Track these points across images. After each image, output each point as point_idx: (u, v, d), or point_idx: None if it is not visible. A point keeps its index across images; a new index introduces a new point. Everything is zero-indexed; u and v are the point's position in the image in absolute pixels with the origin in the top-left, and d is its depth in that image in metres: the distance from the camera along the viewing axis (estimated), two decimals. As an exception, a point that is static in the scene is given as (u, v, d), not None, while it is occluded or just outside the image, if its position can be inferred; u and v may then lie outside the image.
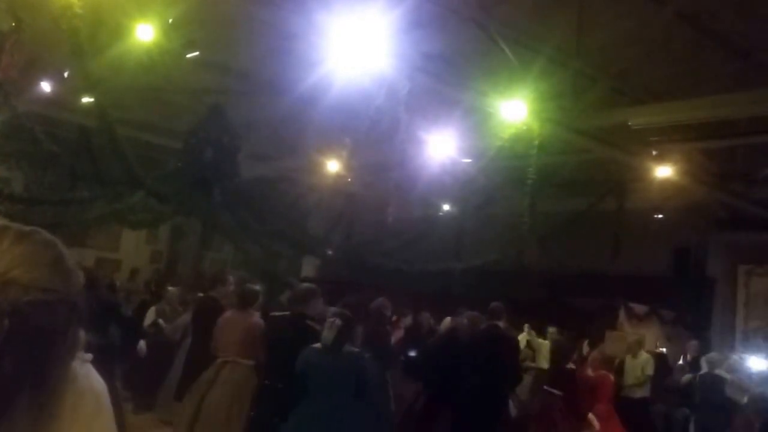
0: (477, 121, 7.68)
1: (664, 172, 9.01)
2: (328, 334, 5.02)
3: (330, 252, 9.87)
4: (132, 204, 9.00)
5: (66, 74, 8.26)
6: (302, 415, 4.94)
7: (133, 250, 14.42)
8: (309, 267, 13.86)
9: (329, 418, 4.88)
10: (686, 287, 12.56)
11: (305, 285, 6.32)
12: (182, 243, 14.66)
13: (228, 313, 6.56)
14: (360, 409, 5.03)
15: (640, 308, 12.37)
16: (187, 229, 13.42)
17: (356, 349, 5.29)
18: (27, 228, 0.95)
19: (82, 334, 0.97)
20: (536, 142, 7.40)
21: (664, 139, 8.71)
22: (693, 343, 10.74)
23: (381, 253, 10.08)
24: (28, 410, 0.85)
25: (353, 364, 5.06)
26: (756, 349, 11.70)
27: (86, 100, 7.99)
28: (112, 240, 13.96)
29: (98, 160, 8.78)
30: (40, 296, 0.88)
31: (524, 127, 7.26)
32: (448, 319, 8.06)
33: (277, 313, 6.42)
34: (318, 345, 5.11)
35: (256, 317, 6.48)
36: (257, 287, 6.90)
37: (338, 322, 5.03)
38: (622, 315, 12.34)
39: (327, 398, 4.95)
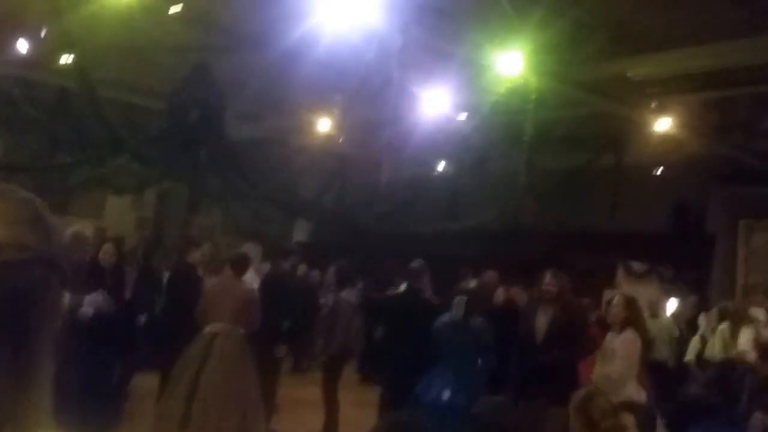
0: (472, 75, 7.62)
1: (663, 124, 9.01)
2: (457, 309, 6.17)
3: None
4: (115, 168, 8.95)
5: (43, 33, 8.12)
6: (434, 376, 6.01)
7: (118, 216, 14.34)
8: (300, 230, 13.87)
9: (457, 380, 5.93)
10: (686, 243, 12.64)
11: (418, 263, 6.92)
12: (169, 208, 14.61)
13: (216, 280, 6.48)
14: (480, 372, 6.08)
15: (638, 266, 12.46)
16: (173, 193, 13.38)
17: (480, 320, 6.27)
18: (3, 185, 0.92)
19: (66, 296, 0.95)
20: (533, 97, 7.37)
21: (663, 91, 8.71)
22: (691, 300, 10.84)
23: (374, 214, 10.09)
24: (9, 374, 0.83)
25: (477, 334, 6.13)
26: (756, 305, 11.81)
27: (65, 60, 7.87)
28: (96, 206, 13.88)
29: (79, 123, 8.70)
30: (17, 255, 0.86)
31: (521, 81, 7.21)
32: (500, 290, 8.17)
33: (394, 290, 7.57)
34: (448, 317, 6.21)
35: (248, 283, 6.43)
36: (247, 252, 6.85)
37: (465, 299, 6.24)
38: (620, 273, 12.44)
39: (456, 362, 6.01)
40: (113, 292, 6.37)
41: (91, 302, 6.07)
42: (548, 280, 6.36)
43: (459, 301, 6.26)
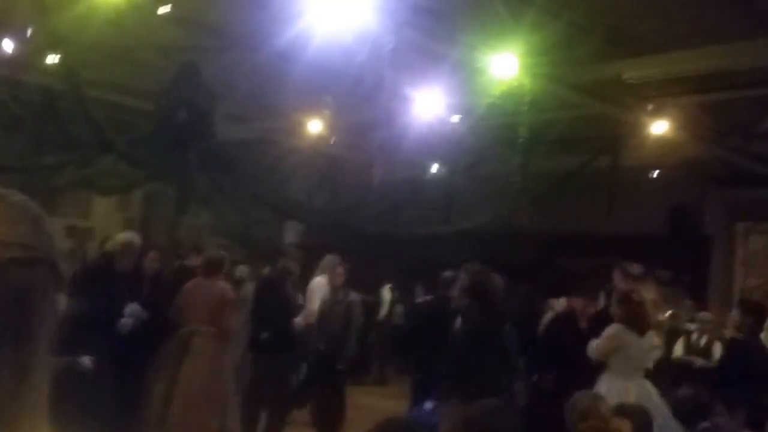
0: (466, 77, 7.66)
1: (659, 127, 9.08)
2: None
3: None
4: (102, 169, 8.94)
5: (29, 32, 8.12)
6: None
7: (104, 217, 14.33)
8: (291, 233, 13.89)
9: None
10: (683, 246, 12.72)
11: (449, 273, 7.23)
12: (156, 209, 14.59)
13: (193, 281, 6.50)
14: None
15: (636, 268, 12.51)
16: (161, 194, 13.36)
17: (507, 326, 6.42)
18: (3, 189, 0.97)
19: (62, 299, 1.00)
20: (527, 99, 7.42)
21: (659, 93, 8.77)
22: (687, 303, 10.92)
23: (366, 217, 10.11)
24: (11, 369, 0.87)
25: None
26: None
27: (51, 60, 7.87)
28: (82, 207, 13.86)
29: (66, 123, 8.69)
30: (22, 253, 0.90)
31: (515, 83, 7.26)
32: (563, 300, 8.27)
33: (421, 299, 7.88)
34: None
35: (223, 284, 6.45)
36: (223, 253, 6.88)
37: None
38: (616, 276, 12.47)
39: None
40: (150, 300, 6.40)
41: (132, 313, 6.08)
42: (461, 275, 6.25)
43: None
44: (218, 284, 6.37)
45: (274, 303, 7.21)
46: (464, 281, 6.24)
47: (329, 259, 8.12)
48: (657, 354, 7.94)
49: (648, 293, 11.94)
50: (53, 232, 0.98)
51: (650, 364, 6.42)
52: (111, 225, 14.50)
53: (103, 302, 5.75)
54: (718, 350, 8.93)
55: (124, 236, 6.43)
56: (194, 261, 7.13)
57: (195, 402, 5.97)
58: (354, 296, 7.45)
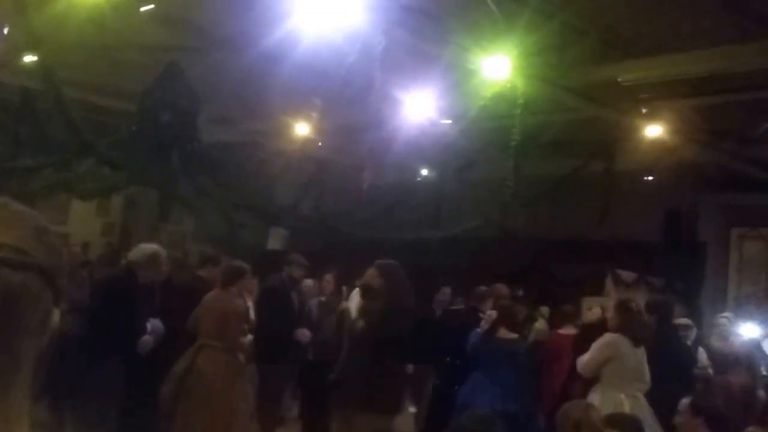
0: (458, 78, 7.68)
1: (654, 131, 9.13)
2: (485, 323, 6.85)
3: None
4: (81, 172, 8.90)
5: (6, 30, 8.06)
6: (478, 384, 6.64)
7: (82, 222, 14.23)
8: (275, 238, 13.84)
9: (495, 388, 6.52)
10: (677, 252, 12.78)
11: (483, 287, 7.81)
12: (137, 214, 14.53)
13: (212, 292, 6.42)
14: (516, 381, 6.70)
15: (628, 275, 12.58)
16: (142, 199, 13.30)
17: (514, 335, 6.91)
18: (7, 199, 0.96)
19: (57, 315, 0.99)
20: (520, 101, 7.45)
21: (654, 96, 8.82)
22: (679, 311, 10.95)
23: (354, 222, 10.12)
24: None
25: (510, 347, 6.77)
26: (748, 316, 11.96)
27: (29, 59, 7.82)
28: (60, 212, 13.71)
29: (44, 125, 8.65)
30: (15, 256, 0.89)
31: (508, 85, 7.28)
32: (597, 309, 8.31)
33: (453, 307, 8.50)
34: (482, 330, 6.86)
35: (234, 297, 6.35)
36: (242, 264, 6.73)
37: (495, 314, 6.89)
38: (609, 282, 12.54)
39: (492, 372, 6.62)
40: (163, 310, 6.34)
41: (153, 329, 6.01)
42: (370, 273, 5.89)
43: (489, 316, 6.94)
44: (229, 296, 6.27)
45: (277, 312, 7.11)
46: (378, 281, 5.85)
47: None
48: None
49: (639, 300, 11.99)
50: (60, 247, 0.97)
51: (647, 377, 6.34)
52: (89, 230, 14.43)
53: (127, 318, 5.69)
54: (703, 356, 8.95)
55: (150, 247, 6.28)
56: (210, 272, 6.95)
57: (198, 416, 5.92)
58: (346, 304, 7.41)
